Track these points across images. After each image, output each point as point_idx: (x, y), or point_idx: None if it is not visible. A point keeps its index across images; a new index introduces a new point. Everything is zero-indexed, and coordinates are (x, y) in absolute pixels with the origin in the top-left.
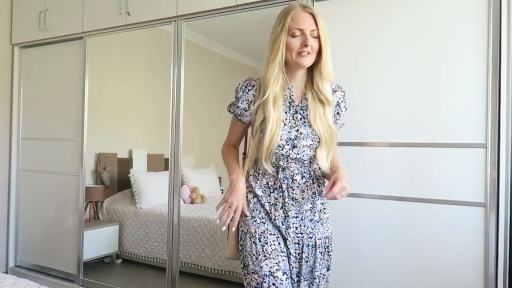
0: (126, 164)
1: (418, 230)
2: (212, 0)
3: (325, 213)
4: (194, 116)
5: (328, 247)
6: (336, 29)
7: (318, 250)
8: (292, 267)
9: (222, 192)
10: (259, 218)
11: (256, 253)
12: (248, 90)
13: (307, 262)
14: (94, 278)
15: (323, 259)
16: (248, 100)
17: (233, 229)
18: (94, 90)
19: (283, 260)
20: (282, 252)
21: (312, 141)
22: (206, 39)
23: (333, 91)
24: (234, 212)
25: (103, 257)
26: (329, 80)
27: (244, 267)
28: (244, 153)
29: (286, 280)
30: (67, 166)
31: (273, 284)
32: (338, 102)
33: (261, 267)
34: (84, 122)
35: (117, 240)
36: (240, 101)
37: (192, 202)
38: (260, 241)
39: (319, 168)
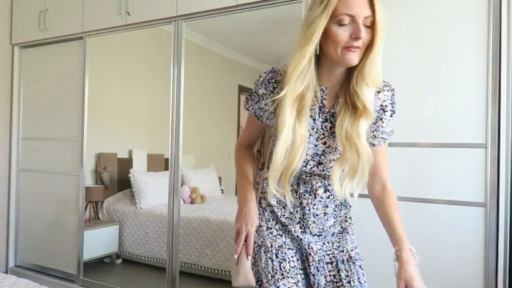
0: (126, 164)
1: (418, 230)
2: (212, 0)
3: (346, 221)
4: (194, 116)
5: (362, 260)
6: None
7: (357, 264)
8: None
9: (222, 192)
10: (276, 229)
11: (273, 270)
12: (272, 85)
13: (349, 282)
14: (94, 278)
15: (364, 275)
16: (271, 97)
17: (249, 257)
18: (94, 90)
19: (302, 279)
20: (300, 269)
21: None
22: (206, 39)
23: (377, 92)
24: (246, 239)
25: (103, 257)
26: (374, 85)
27: (256, 283)
28: (259, 151)
29: None
30: (67, 166)
31: None
32: (381, 106)
33: (278, 287)
34: (84, 122)
35: (117, 240)
36: (263, 102)
37: (192, 202)
38: (277, 257)
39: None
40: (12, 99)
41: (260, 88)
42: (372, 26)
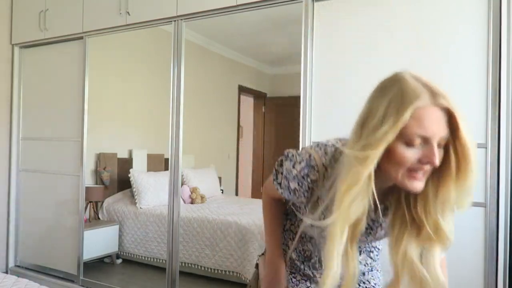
0: (126, 164)
1: None
2: (212, 0)
3: (374, 260)
4: (194, 116)
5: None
6: (336, 29)
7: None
8: None
9: (222, 192)
10: (300, 275)
11: None
12: (307, 184)
13: None
14: (94, 278)
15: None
16: (304, 195)
17: None
18: (94, 90)
19: None
20: None
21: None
22: (206, 39)
23: None
24: None
25: (103, 257)
26: (462, 208)
27: None
28: None
29: None
30: (67, 166)
31: None
32: None
33: None
34: (84, 122)
35: (117, 240)
36: (291, 193)
37: (192, 202)
38: None
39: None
40: (12, 99)
41: (291, 182)
42: (448, 146)
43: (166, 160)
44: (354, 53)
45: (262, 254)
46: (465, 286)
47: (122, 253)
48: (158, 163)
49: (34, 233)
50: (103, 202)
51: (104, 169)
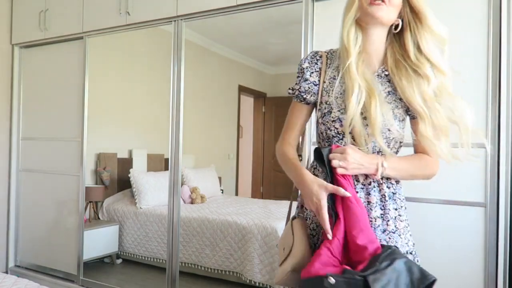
0: (126, 164)
1: (417, 230)
2: (212, 0)
3: (401, 221)
4: (194, 116)
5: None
6: (336, 30)
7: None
8: None
9: (222, 192)
10: (310, 229)
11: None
12: (316, 59)
13: None
14: (94, 278)
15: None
16: (317, 71)
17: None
18: (94, 90)
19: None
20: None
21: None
22: (206, 39)
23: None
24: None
25: (103, 257)
26: (440, 43)
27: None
28: (300, 154)
29: None
30: (67, 166)
31: None
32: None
33: None
34: (84, 122)
35: (117, 240)
36: (307, 73)
37: (192, 202)
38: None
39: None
40: (12, 99)
41: (304, 63)
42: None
43: (166, 160)
44: None
45: (294, 217)
46: (465, 286)
47: (122, 253)
48: (158, 163)
49: (34, 233)
50: (103, 202)
51: (104, 169)
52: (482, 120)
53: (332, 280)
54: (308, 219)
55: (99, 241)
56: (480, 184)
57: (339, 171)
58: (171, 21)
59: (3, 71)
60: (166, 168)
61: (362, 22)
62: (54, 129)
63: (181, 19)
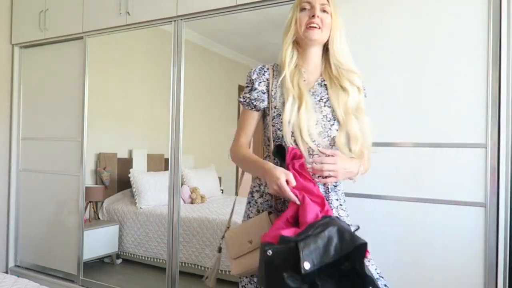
0: (126, 164)
1: (417, 230)
2: (212, 0)
3: (343, 210)
4: (194, 116)
5: None
6: None
7: None
8: None
9: (222, 192)
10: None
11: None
12: (264, 72)
13: None
14: (94, 278)
15: None
16: (265, 81)
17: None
18: (94, 90)
19: None
20: None
21: (323, 128)
22: (206, 39)
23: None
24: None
25: (103, 257)
26: (345, 59)
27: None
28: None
29: None
30: (67, 166)
31: None
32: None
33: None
34: (84, 122)
35: (117, 240)
36: (256, 83)
37: (192, 202)
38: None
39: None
40: (12, 99)
41: (253, 75)
42: (331, 14)
43: (166, 160)
44: (354, 53)
45: (223, 237)
46: (465, 286)
47: (122, 253)
48: (158, 163)
49: (34, 233)
50: (103, 202)
51: (104, 169)
52: (482, 120)
53: (269, 252)
54: (261, 211)
55: (99, 241)
56: (480, 184)
57: (330, 180)
58: (171, 21)
59: (3, 71)
60: (166, 168)
61: (301, 42)
62: (54, 129)
63: (181, 19)
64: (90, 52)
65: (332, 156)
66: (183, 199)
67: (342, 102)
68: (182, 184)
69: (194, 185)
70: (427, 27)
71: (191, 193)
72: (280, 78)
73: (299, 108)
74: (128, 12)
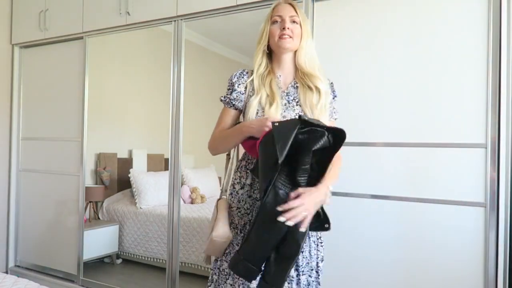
0: (126, 164)
1: (417, 230)
2: (212, 0)
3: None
4: (194, 116)
5: (320, 237)
6: (336, 29)
7: (311, 239)
8: None
9: None
10: (244, 209)
11: (237, 244)
12: (243, 75)
13: (302, 252)
14: (94, 278)
15: (317, 249)
16: (244, 83)
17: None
18: (94, 90)
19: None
20: None
21: None
22: (206, 39)
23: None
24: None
25: (103, 257)
26: (313, 65)
27: (225, 254)
28: (228, 154)
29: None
30: (67, 166)
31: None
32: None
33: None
34: (84, 122)
35: (117, 240)
36: (236, 85)
37: (192, 202)
38: (241, 232)
39: None
40: (12, 99)
41: (233, 78)
42: (300, 24)
43: (166, 160)
44: (353, 53)
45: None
46: (465, 286)
47: (122, 253)
48: (158, 163)
49: (34, 233)
50: (103, 202)
51: (104, 169)
52: (482, 120)
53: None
54: (241, 201)
55: (99, 241)
56: (480, 184)
57: (306, 221)
58: (171, 21)
59: (3, 71)
60: (166, 168)
61: (276, 51)
62: (54, 129)
63: (181, 19)
64: (90, 52)
65: (297, 196)
66: (183, 199)
67: (309, 101)
68: (182, 184)
69: (194, 185)
70: (427, 27)
71: (191, 193)
72: (249, 80)
73: (270, 105)
74: (128, 12)
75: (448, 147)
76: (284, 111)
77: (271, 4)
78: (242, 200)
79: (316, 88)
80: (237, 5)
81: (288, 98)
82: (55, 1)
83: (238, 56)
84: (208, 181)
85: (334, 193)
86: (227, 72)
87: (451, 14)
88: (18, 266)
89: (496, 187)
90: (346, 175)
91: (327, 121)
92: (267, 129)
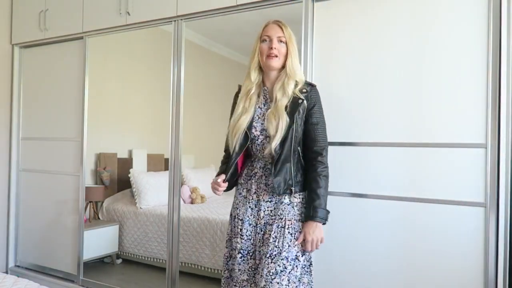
0: (126, 164)
1: (418, 230)
2: (212, 0)
3: (295, 197)
4: (194, 116)
5: (300, 231)
6: (336, 29)
7: (286, 230)
8: (260, 246)
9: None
10: (235, 203)
11: (230, 231)
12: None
13: (276, 242)
14: (94, 278)
15: (293, 242)
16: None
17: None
18: (94, 90)
19: (241, 242)
20: (242, 235)
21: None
22: (206, 39)
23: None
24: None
25: (103, 257)
26: (293, 78)
27: (227, 241)
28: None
29: (240, 258)
30: (67, 166)
31: (231, 256)
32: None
33: (232, 242)
34: (84, 122)
35: (117, 240)
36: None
37: (192, 202)
38: (231, 223)
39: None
40: (12, 99)
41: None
42: (286, 44)
43: (166, 160)
44: (354, 53)
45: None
46: (465, 286)
47: (122, 253)
48: (158, 163)
49: (34, 233)
50: (103, 202)
51: (104, 169)
52: (482, 119)
53: None
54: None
55: (99, 241)
56: (480, 184)
57: (319, 246)
58: (171, 21)
59: (3, 71)
60: (166, 168)
61: (263, 66)
62: (54, 129)
63: (181, 19)
64: (90, 52)
65: (304, 239)
66: (183, 199)
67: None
68: (182, 184)
69: (194, 185)
70: (427, 27)
71: (191, 193)
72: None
73: (243, 114)
74: (128, 12)
75: (448, 147)
76: (255, 122)
77: (271, 4)
78: (236, 197)
79: (286, 92)
80: (237, 5)
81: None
82: (55, 1)
83: (238, 56)
84: (208, 181)
85: (333, 193)
86: (227, 72)
87: (450, 13)
88: (18, 266)
89: (496, 187)
90: (346, 175)
91: (284, 123)
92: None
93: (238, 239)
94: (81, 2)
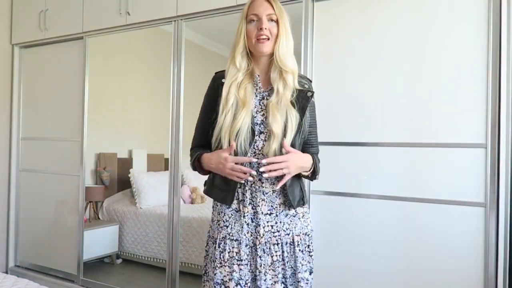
0: (126, 164)
1: (418, 230)
2: (212, 0)
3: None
4: (194, 116)
5: (308, 245)
6: (336, 29)
7: (297, 248)
8: (264, 274)
9: None
10: (223, 221)
11: (214, 259)
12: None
13: (287, 262)
14: (94, 278)
15: (305, 260)
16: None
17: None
18: (94, 90)
19: (240, 269)
20: (239, 260)
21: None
22: (206, 39)
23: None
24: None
25: (103, 257)
26: (287, 64)
27: (204, 274)
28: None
29: None
30: (67, 166)
31: None
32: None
33: (215, 275)
34: (84, 122)
35: (117, 240)
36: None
37: (192, 202)
38: (219, 247)
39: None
40: (12, 99)
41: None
42: (277, 22)
43: (166, 160)
44: (354, 53)
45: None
46: (465, 286)
47: (122, 253)
48: (158, 163)
49: (34, 233)
50: (103, 202)
51: (104, 169)
52: (482, 120)
53: None
54: (221, 213)
55: (99, 241)
56: (480, 184)
57: (285, 178)
58: (171, 21)
59: (3, 71)
60: (166, 168)
61: (253, 52)
62: (54, 129)
63: (181, 19)
64: (90, 52)
65: (286, 151)
66: (183, 199)
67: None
68: (182, 184)
69: (194, 185)
70: (427, 26)
71: (191, 193)
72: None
73: (240, 111)
74: (128, 12)
75: (448, 147)
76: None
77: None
78: (222, 212)
79: (288, 85)
80: (237, 5)
81: (265, 98)
82: (55, 1)
83: None
84: None
85: (334, 193)
86: None
87: (450, 13)
88: (18, 266)
89: (496, 187)
90: (346, 175)
91: (294, 118)
92: (222, 166)
93: (235, 267)
94: (81, 2)
